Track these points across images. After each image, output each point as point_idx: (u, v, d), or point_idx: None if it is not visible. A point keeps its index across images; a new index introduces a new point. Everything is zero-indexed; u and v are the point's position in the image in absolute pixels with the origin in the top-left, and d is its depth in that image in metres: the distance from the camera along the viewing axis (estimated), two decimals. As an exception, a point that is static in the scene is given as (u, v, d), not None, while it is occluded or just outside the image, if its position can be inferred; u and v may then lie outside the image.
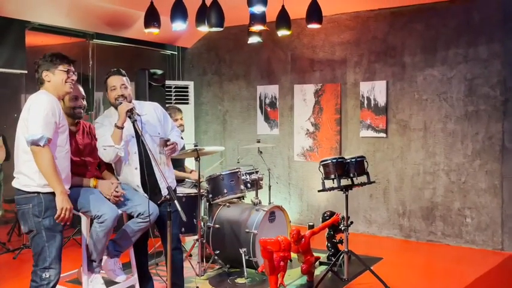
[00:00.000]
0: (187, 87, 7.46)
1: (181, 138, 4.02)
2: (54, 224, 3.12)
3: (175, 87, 7.34)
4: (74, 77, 3.32)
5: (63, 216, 3.08)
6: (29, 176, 3.10)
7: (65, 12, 5.89)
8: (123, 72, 3.77)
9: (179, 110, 5.42)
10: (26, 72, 5.84)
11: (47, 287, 3.09)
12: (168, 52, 7.80)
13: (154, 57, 7.67)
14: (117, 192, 3.53)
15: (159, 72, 6.53)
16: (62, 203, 3.07)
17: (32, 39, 6.08)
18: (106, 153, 3.59)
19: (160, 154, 3.70)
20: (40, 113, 3.06)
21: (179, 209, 3.13)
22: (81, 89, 3.71)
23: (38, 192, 3.09)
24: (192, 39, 7.67)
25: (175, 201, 3.19)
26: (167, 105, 6.58)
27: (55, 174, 3.06)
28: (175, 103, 7.01)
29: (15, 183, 3.17)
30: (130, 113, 3.56)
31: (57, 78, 3.23)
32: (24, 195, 3.11)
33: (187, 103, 7.36)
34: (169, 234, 3.25)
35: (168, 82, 7.09)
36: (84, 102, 3.67)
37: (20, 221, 3.19)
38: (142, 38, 6.94)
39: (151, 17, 4.97)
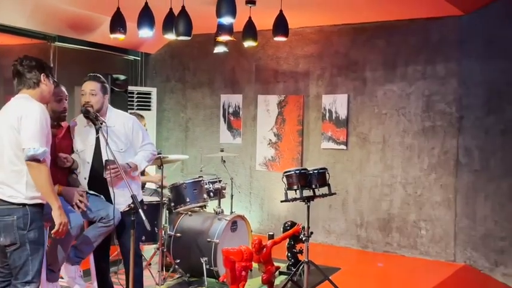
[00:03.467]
0: (149, 94, 7.40)
1: (155, 154, 3.93)
2: (39, 237, 3.04)
3: (137, 93, 7.27)
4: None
5: (61, 231, 3.04)
6: (15, 188, 2.97)
7: (27, 14, 5.76)
8: (100, 78, 3.68)
9: (141, 117, 5.38)
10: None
11: None
12: (131, 57, 7.72)
13: (117, 62, 7.57)
14: (80, 202, 3.48)
15: (122, 77, 6.44)
16: (60, 218, 3.02)
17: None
18: None
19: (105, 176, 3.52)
20: (36, 125, 2.97)
21: (143, 218, 3.11)
22: (63, 89, 3.64)
23: (24, 204, 2.99)
24: (156, 45, 7.63)
25: (140, 211, 3.17)
26: (129, 111, 6.53)
27: (52, 189, 3.02)
28: (138, 109, 6.93)
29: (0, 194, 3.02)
30: (96, 119, 3.52)
31: (50, 85, 3.21)
32: (7, 206, 2.98)
33: (149, 109, 7.30)
34: (133, 243, 3.22)
35: (130, 88, 7.01)
36: (66, 105, 3.62)
37: (3, 233, 3.00)
38: (106, 42, 6.84)
39: (118, 23, 4.93)
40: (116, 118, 3.71)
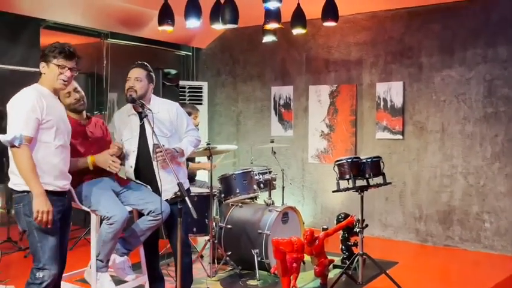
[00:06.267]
0: (201, 88, 7.43)
1: (200, 139, 3.91)
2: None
3: (189, 88, 7.31)
4: (68, 74, 3.03)
5: (40, 219, 2.88)
6: (17, 175, 2.96)
7: (80, 11, 5.89)
8: (147, 66, 3.70)
9: (196, 109, 5.43)
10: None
11: (38, 287, 2.96)
12: (183, 53, 7.77)
13: (169, 58, 7.64)
14: (113, 162, 3.46)
15: (173, 72, 6.51)
16: (38, 205, 2.88)
17: (47, 38, 6.08)
18: None
19: (153, 161, 3.52)
20: (18, 111, 2.90)
21: (190, 205, 3.05)
22: (74, 82, 3.60)
23: (28, 191, 2.93)
24: (206, 39, 7.64)
25: (186, 198, 3.11)
26: (185, 103, 6.58)
27: (32, 175, 2.89)
28: (189, 103, 6.97)
29: (9, 183, 3.06)
30: (141, 106, 3.51)
31: (50, 72, 3.02)
32: (17, 195, 3.00)
33: (201, 103, 7.31)
34: (180, 231, 3.17)
35: (182, 82, 7.07)
36: (78, 95, 3.55)
37: (17, 220, 3.09)
38: (157, 38, 6.92)
39: (165, 15, 4.92)
40: (160, 105, 3.70)
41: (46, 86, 3.04)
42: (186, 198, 3.10)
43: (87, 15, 6.01)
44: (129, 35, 6.75)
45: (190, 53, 7.83)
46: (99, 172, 3.57)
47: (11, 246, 5.51)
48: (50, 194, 2.97)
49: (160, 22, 4.97)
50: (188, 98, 7.24)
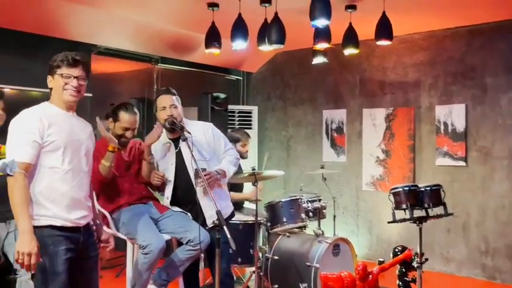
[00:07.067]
0: (251, 112, 7.28)
1: (239, 157, 3.76)
2: (53, 265, 2.51)
3: (238, 112, 7.18)
4: (74, 83, 2.65)
5: (21, 261, 2.40)
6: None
7: (130, 36, 5.90)
8: (173, 91, 3.62)
9: (249, 136, 5.22)
10: (91, 95, 5.87)
11: None
12: (233, 77, 7.68)
13: (219, 82, 7.57)
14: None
15: (222, 96, 6.42)
16: (20, 245, 2.40)
17: (98, 63, 6.13)
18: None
19: (196, 187, 3.39)
20: (13, 135, 2.56)
21: (228, 235, 2.84)
22: (136, 119, 3.58)
23: (37, 226, 2.51)
24: (257, 63, 7.52)
25: (225, 227, 2.90)
26: (237, 128, 6.42)
27: (22, 208, 2.45)
28: (239, 128, 6.82)
29: None
30: (181, 129, 3.38)
31: (55, 84, 2.67)
32: None
33: (250, 128, 7.15)
34: (218, 262, 2.96)
35: (231, 107, 6.95)
36: (134, 133, 3.57)
37: None
38: (208, 62, 6.87)
39: (212, 37, 4.85)
40: (195, 128, 3.57)
41: (55, 102, 2.69)
42: (225, 227, 2.90)
43: (138, 40, 6.02)
44: (180, 59, 6.73)
45: (241, 78, 7.73)
46: (138, 199, 3.44)
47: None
48: (56, 229, 2.56)
49: (207, 45, 4.89)
50: (238, 123, 7.10)
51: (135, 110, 3.65)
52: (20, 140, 2.53)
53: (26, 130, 2.54)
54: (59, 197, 2.59)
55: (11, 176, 2.46)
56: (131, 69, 7.34)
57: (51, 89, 2.71)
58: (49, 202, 2.56)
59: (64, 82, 2.65)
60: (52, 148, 2.59)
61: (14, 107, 2.77)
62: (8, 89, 4.93)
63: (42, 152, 2.57)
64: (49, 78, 2.69)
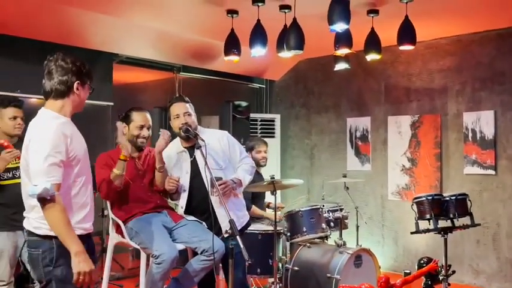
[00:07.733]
0: (273, 120, 7.20)
1: (255, 165, 3.69)
2: (67, 275, 2.48)
3: (261, 120, 7.11)
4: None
5: (81, 281, 2.44)
6: (37, 219, 2.53)
7: (151, 45, 5.91)
8: (186, 98, 3.59)
9: (264, 142, 5.12)
10: (113, 104, 5.90)
11: None
12: (256, 85, 7.62)
13: (242, 90, 7.52)
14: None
15: (244, 104, 6.37)
16: (79, 266, 2.42)
17: (119, 72, 6.16)
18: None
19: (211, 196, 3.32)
20: (42, 153, 2.43)
21: (241, 245, 2.76)
22: (148, 117, 3.58)
23: (50, 237, 2.49)
24: (279, 71, 7.44)
25: (238, 237, 2.82)
26: (256, 135, 6.35)
27: (67, 230, 2.45)
28: (261, 136, 6.74)
29: (25, 223, 2.61)
30: (196, 137, 3.32)
31: (83, 97, 2.65)
32: (35, 238, 2.55)
33: (273, 136, 7.07)
34: (231, 273, 2.88)
35: (254, 115, 6.89)
36: (149, 132, 3.54)
37: (29, 266, 2.65)
38: (230, 70, 6.83)
39: (231, 44, 4.80)
40: (209, 136, 3.50)
41: (66, 112, 2.60)
42: (238, 237, 2.82)
43: (159, 48, 6.02)
44: (202, 68, 6.70)
45: (264, 86, 7.66)
46: (152, 207, 3.40)
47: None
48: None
49: (226, 52, 4.85)
50: (260, 131, 7.03)
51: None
52: (50, 161, 2.44)
53: (55, 150, 2.45)
54: (79, 209, 2.59)
55: (47, 200, 2.41)
56: (153, 78, 7.36)
57: (68, 93, 2.59)
58: (71, 214, 2.54)
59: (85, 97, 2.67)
60: (74, 163, 2.56)
61: (34, 117, 2.69)
62: (29, 99, 4.99)
63: (66, 168, 2.52)
64: (77, 84, 2.59)
